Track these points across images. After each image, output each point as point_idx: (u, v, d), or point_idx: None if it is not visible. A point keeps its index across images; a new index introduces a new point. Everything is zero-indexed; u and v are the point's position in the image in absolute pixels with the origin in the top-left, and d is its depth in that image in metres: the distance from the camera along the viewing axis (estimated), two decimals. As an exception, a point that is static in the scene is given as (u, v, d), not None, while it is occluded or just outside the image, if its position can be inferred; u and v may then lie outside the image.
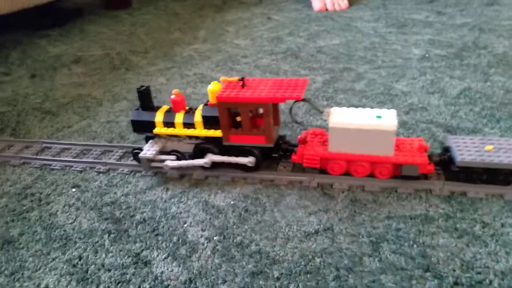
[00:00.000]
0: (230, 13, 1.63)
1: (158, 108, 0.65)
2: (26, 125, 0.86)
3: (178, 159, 0.63)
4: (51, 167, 0.69)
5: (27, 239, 0.54)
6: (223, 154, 0.62)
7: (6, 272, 0.49)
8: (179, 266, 0.48)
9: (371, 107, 0.81)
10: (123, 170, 0.66)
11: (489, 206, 0.54)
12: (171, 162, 0.61)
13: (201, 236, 0.52)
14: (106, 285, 0.46)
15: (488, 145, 0.57)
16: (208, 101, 0.61)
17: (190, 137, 0.63)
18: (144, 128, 0.64)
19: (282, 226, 0.53)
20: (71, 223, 0.56)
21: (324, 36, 1.25)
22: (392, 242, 0.49)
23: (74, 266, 0.49)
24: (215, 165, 0.63)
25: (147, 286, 0.45)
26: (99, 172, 0.67)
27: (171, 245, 0.51)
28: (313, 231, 0.52)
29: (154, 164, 0.63)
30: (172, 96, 0.62)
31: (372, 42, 1.18)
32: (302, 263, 0.47)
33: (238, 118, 0.59)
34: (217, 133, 0.61)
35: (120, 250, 0.51)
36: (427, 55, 1.04)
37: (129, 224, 0.55)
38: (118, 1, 1.86)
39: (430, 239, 0.49)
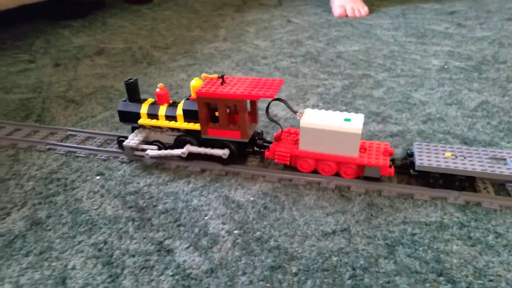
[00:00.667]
0: (250, 14, 1.65)
1: (144, 100, 0.68)
2: (51, 112, 0.88)
3: (159, 149, 0.66)
4: (76, 154, 0.71)
5: (54, 222, 0.56)
6: (201, 147, 0.65)
7: (35, 251, 0.51)
8: (201, 256, 0.50)
9: (390, 115, 0.82)
10: (146, 162, 0.68)
11: (502, 217, 0.55)
12: (151, 151, 0.65)
13: (222, 229, 0.54)
14: (131, 270, 0.48)
15: (448, 152, 0.60)
16: (190, 96, 0.65)
17: (172, 129, 0.67)
18: (129, 118, 0.68)
19: (300, 224, 0.54)
20: (96, 209, 0.58)
21: (343, 42, 1.27)
22: (407, 246, 0.51)
23: (99, 250, 0.51)
24: (194, 156, 0.67)
25: (170, 273, 0.47)
26: (122, 162, 0.69)
27: (192, 235, 0.53)
28: (330, 231, 0.53)
29: (136, 153, 0.67)
30: (157, 90, 0.66)
31: (391, 50, 1.19)
32: (319, 260, 0.49)
33: (217, 113, 0.63)
34: (196, 126, 0.64)
35: (144, 238, 0.53)
36: (446, 67, 1.05)
37: (152, 213, 0.57)
38: (139, -5, 1.89)
39: (444, 245, 0.51)
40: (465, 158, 0.59)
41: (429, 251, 0.50)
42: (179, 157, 0.67)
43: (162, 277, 0.47)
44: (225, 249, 0.51)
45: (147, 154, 0.65)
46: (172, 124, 0.65)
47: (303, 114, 0.62)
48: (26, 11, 1.51)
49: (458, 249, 0.50)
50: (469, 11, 1.56)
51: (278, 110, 0.86)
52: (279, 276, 0.47)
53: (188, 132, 0.66)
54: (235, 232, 0.53)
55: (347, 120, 0.60)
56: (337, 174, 0.63)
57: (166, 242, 0.52)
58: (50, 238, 0.53)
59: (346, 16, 1.57)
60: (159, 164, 0.68)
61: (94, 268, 0.48)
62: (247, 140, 0.63)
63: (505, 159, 0.59)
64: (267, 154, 0.65)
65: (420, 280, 0.46)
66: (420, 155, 0.60)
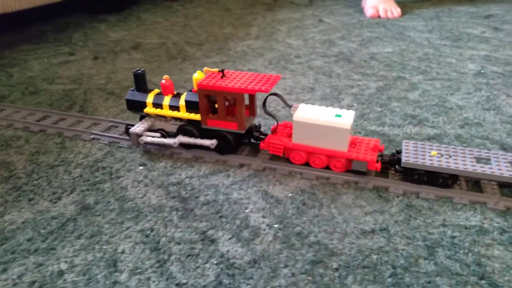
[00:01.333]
0: (281, 13, 1.66)
1: (150, 90, 0.72)
2: (93, 103, 0.92)
3: (163, 136, 0.70)
4: (119, 144, 0.74)
5: (102, 208, 0.59)
6: (201, 136, 0.69)
7: (86, 234, 0.54)
8: (243, 247, 0.51)
9: (426, 118, 0.82)
10: (186, 155, 0.71)
11: (546, 225, 0.54)
12: (145, 137, 0.69)
13: (262, 222, 0.56)
14: (177, 257, 0.50)
15: (435, 151, 0.62)
16: (192, 88, 0.68)
17: (175, 118, 0.70)
18: (136, 107, 0.71)
19: (339, 222, 0.55)
20: (141, 198, 0.61)
21: (376, 43, 1.26)
22: (447, 248, 0.51)
23: (146, 236, 0.53)
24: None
25: (215, 262, 0.49)
26: (163, 154, 0.71)
27: (234, 227, 0.55)
28: (369, 229, 0.54)
29: (141, 140, 0.70)
30: (162, 81, 0.70)
31: (425, 53, 1.17)
32: (360, 257, 0.50)
33: (216, 105, 0.66)
34: (197, 116, 0.67)
35: (188, 227, 0.55)
36: (482, 71, 1.03)
37: (195, 204, 0.59)
38: (172, -8, 1.93)
39: (485, 249, 0.51)
40: (450, 157, 0.61)
41: (470, 254, 0.50)
42: (210, 148, 0.69)
43: (207, 265, 0.49)
44: (266, 242, 0.52)
45: (141, 140, 0.70)
46: (175, 113, 0.69)
47: (297, 109, 0.65)
48: (64, 5, 1.57)
49: (499, 254, 0.50)
50: (506, 14, 1.52)
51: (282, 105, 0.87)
52: (320, 270, 0.48)
53: (189, 121, 0.69)
54: (275, 226, 0.55)
55: (338, 116, 0.63)
56: (327, 167, 0.66)
57: (210, 232, 0.54)
58: (99, 223, 0.56)
59: (379, 17, 1.56)
60: (199, 157, 0.70)
61: (143, 253, 0.51)
62: (243, 132, 0.66)
63: (489, 159, 0.61)
64: (262, 146, 0.68)
65: (461, 282, 0.46)
66: (407, 153, 0.62)
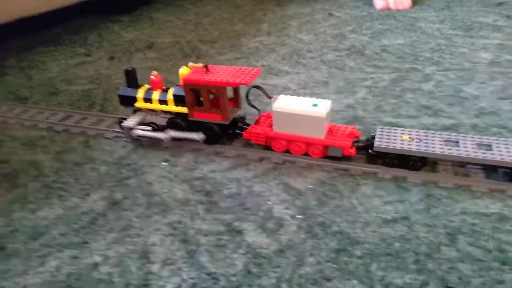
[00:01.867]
0: (290, 8, 1.67)
1: (140, 86, 0.75)
2: (112, 102, 0.94)
3: (154, 130, 0.74)
4: (141, 142, 0.77)
5: (130, 203, 0.61)
6: (189, 128, 0.73)
7: (117, 228, 0.56)
8: (269, 237, 0.53)
9: (441, 109, 0.83)
10: (208, 150, 0.73)
11: None
12: (139, 130, 0.73)
13: (285, 213, 0.57)
14: (206, 248, 0.52)
15: (406, 135, 0.65)
16: (179, 83, 0.72)
17: (165, 112, 0.74)
18: (128, 101, 0.76)
19: (360, 212, 0.57)
20: (166, 192, 0.63)
21: (388, 35, 1.26)
22: (468, 235, 0.52)
23: (175, 229, 0.55)
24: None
25: (242, 251, 0.51)
26: (185, 150, 0.73)
27: (259, 218, 0.56)
28: (390, 218, 0.55)
29: (133, 132, 0.75)
30: (152, 77, 0.74)
31: (438, 43, 1.17)
32: (382, 245, 0.51)
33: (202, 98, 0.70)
34: (184, 109, 0.71)
35: (214, 219, 0.57)
36: (496, 60, 1.03)
37: (219, 197, 0.61)
38: (181, -9, 1.94)
39: (506, 236, 0.52)
40: (420, 140, 0.64)
41: (491, 240, 0.51)
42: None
43: (235, 255, 0.51)
44: (290, 232, 0.54)
45: (134, 133, 0.73)
46: (163, 107, 0.73)
47: (277, 100, 0.68)
48: (76, 7, 1.59)
49: (520, 240, 0.51)
50: (518, 2, 1.51)
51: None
52: (345, 258, 0.50)
53: (177, 114, 0.73)
54: (298, 216, 0.57)
55: (315, 105, 0.66)
56: (306, 154, 0.69)
57: (235, 223, 0.56)
58: (128, 217, 0.58)
59: (389, 9, 1.56)
60: (220, 152, 0.72)
61: (172, 245, 0.53)
62: (227, 123, 0.70)
63: (458, 142, 0.64)
64: (244, 135, 0.72)
65: (484, 268, 0.47)
66: (380, 138, 0.65)
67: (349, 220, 0.56)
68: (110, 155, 0.73)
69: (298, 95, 0.92)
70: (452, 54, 1.09)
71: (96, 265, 0.50)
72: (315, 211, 0.57)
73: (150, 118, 0.76)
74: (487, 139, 0.64)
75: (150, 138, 0.75)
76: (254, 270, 0.49)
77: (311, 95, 0.92)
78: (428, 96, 0.88)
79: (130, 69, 0.75)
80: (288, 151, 0.70)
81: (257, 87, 0.72)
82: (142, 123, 0.75)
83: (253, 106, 0.73)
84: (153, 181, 0.65)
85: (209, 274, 0.48)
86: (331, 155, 0.66)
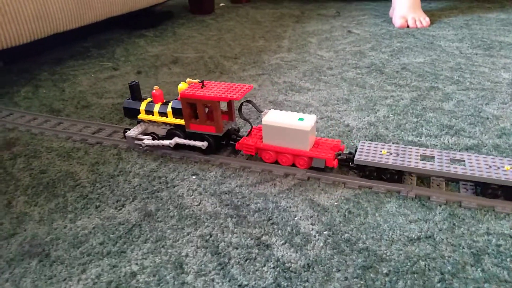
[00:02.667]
0: (310, 24, 1.71)
1: (144, 99, 0.82)
2: (141, 116, 0.98)
3: (154, 139, 0.80)
4: (171, 155, 0.80)
5: (163, 215, 0.64)
6: (186, 139, 0.78)
7: (151, 239, 0.59)
8: (297, 252, 0.55)
9: (463, 128, 0.84)
10: (234, 165, 0.75)
11: None
12: (147, 140, 0.79)
13: (312, 229, 0.59)
14: (237, 260, 0.54)
15: (385, 150, 0.69)
16: (178, 97, 0.78)
17: (165, 123, 0.81)
18: (132, 114, 0.83)
19: (385, 229, 0.59)
20: (197, 205, 0.66)
21: (407, 53, 1.29)
22: (493, 256, 0.53)
23: (206, 241, 0.58)
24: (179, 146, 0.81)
25: (272, 265, 0.53)
26: (213, 165, 0.76)
27: (286, 233, 0.59)
28: (415, 237, 0.57)
29: (136, 142, 0.81)
30: (153, 91, 0.80)
31: (457, 62, 1.19)
32: (408, 264, 0.53)
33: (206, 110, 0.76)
34: (182, 121, 0.77)
35: (243, 233, 0.59)
36: (517, 80, 1.04)
37: (247, 211, 0.64)
38: (203, 6, 2.01)
39: (530, 258, 0.53)
40: (398, 155, 0.68)
41: (515, 262, 0.52)
42: (201, 149, 0.78)
43: (265, 268, 0.53)
44: (317, 248, 0.56)
45: (144, 143, 0.79)
46: (163, 119, 0.79)
47: (267, 114, 0.74)
48: (103, 21, 1.66)
49: (545, 262, 0.52)
50: (539, 22, 1.52)
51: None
52: (371, 275, 0.51)
53: (176, 126, 0.79)
54: (324, 233, 0.59)
55: (301, 119, 0.71)
56: (293, 165, 0.74)
57: (264, 238, 0.58)
58: (162, 229, 0.61)
59: (407, 27, 1.58)
60: (246, 167, 0.75)
61: (205, 257, 0.55)
62: (221, 134, 0.75)
63: (433, 157, 0.67)
64: (237, 146, 0.76)
65: (509, 288, 0.49)
66: (361, 152, 0.70)
67: (374, 237, 0.57)
68: (142, 168, 0.77)
69: (321, 112, 0.95)
70: (472, 74, 1.11)
71: (134, 274, 0.53)
72: (341, 228, 0.59)
73: (151, 128, 0.83)
74: (460, 155, 0.67)
75: (157, 146, 0.81)
76: (283, 283, 0.51)
77: (333, 112, 0.95)
78: (449, 116, 0.90)
79: (134, 83, 0.82)
80: (277, 162, 0.75)
81: (249, 101, 0.77)
82: (144, 133, 0.83)
83: (245, 119, 0.78)
84: (184, 194, 0.68)
85: (240, 286, 0.51)
86: (314, 166, 0.71)
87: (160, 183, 0.72)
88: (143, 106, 0.81)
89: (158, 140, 0.79)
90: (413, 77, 1.11)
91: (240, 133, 0.82)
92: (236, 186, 0.70)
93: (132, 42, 1.59)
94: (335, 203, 0.65)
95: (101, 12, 1.30)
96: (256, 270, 0.53)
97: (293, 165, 0.74)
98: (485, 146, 0.77)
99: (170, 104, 0.78)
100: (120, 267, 0.54)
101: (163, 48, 1.49)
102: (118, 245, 0.58)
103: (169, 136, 0.80)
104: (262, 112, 0.75)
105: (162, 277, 0.52)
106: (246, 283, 0.51)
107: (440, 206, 0.63)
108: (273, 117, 0.72)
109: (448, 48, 1.31)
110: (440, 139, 0.81)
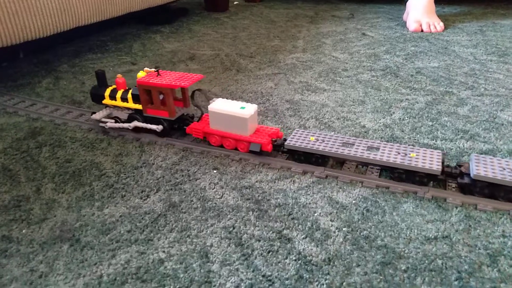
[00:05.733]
0: (324, 26, 1.72)
1: (108, 86, 0.89)
2: (160, 111, 1.00)
3: (116, 122, 0.88)
4: (192, 150, 0.82)
5: (187, 206, 0.66)
6: (144, 122, 0.86)
7: (177, 229, 0.61)
8: (317, 246, 0.57)
9: (477, 133, 0.86)
10: (253, 161, 0.78)
11: None
12: (110, 123, 0.87)
13: (331, 225, 0.61)
14: (259, 252, 0.56)
15: (314, 137, 0.76)
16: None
17: (127, 108, 0.88)
18: (98, 99, 0.90)
19: (403, 228, 0.61)
20: (219, 198, 0.68)
21: (421, 58, 1.30)
22: (509, 257, 0.55)
23: (229, 233, 0.60)
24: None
25: (294, 258, 0.55)
26: (233, 160, 0.79)
27: (306, 228, 0.61)
28: (432, 236, 0.59)
29: (100, 124, 0.89)
30: (117, 79, 0.87)
31: (472, 68, 1.20)
32: (426, 261, 0.55)
33: (161, 97, 0.82)
34: (140, 106, 0.84)
35: (265, 226, 0.61)
36: (532, 88, 1.05)
37: (267, 206, 0.66)
38: (218, 4, 2.03)
39: (544, 260, 0.54)
40: (323, 142, 0.75)
41: (530, 263, 0.54)
42: (156, 132, 0.86)
43: (287, 261, 0.55)
44: (337, 243, 0.58)
45: (106, 125, 0.87)
46: (124, 104, 0.86)
47: (214, 102, 0.81)
48: (123, 17, 1.69)
49: (559, 265, 0.54)
50: (553, 30, 1.52)
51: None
52: (390, 271, 0.53)
53: (135, 110, 0.87)
54: (343, 229, 0.61)
55: (243, 108, 0.77)
56: (236, 149, 0.81)
57: (285, 231, 0.60)
58: (186, 219, 0.63)
59: (422, 31, 1.59)
60: (265, 163, 0.77)
61: (229, 247, 0.57)
62: (173, 119, 0.83)
63: (353, 144, 0.74)
64: (187, 130, 0.84)
65: (524, 288, 0.50)
66: (292, 138, 0.77)
67: (392, 235, 0.59)
68: (164, 161, 0.79)
69: (337, 113, 0.97)
70: (487, 80, 1.12)
71: (161, 261, 0.55)
72: (359, 225, 0.61)
73: (115, 113, 0.91)
74: (378, 143, 0.74)
75: (118, 128, 0.89)
76: (306, 275, 0.53)
77: (349, 113, 0.96)
78: (464, 120, 0.91)
79: (100, 71, 0.89)
80: (222, 146, 0.82)
81: (199, 90, 0.85)
82: (108, 116, 0.90)
83: (197, 106, 0.86)
84: (206, 187, 0.71)
85: (264, 276, 0.53)
86: (251, 150, 0.77)
87: (182, 176, 0.74)
88: (107, 92, 0.88)
89: (120, 123, 0.87)
90: (428, 81, 1.13)
91: (194, 119, 0.89)
92: (256, 182, 0.72)
93: (148, 37, 1.61)
94: (353, 201, 0.67)
95: (122, 8, 1.32)
96: (279, 262, 0.55)
97: (236, 148, 0.81)
98: (500, 151, 0.79)
99: (130, 91, 0.85)
100: (148, 254, 0.56)
101: (180, 45, 1.51)
102: (145, 233, 0.60)
103: (129, 119, 0.87)
104: (211, 100, 0.82)
105: (188, 265, 0.55)
106: (269, 273, 0.53)
107: (456, 208, 0.65)
108: (218, 105, 0.79)
109: (462, 54, 1.33)
110: (455, 143, 0.82)
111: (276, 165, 0.76)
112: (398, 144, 0.73)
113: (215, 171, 0.75)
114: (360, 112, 0.97)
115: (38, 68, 1.30)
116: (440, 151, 0.71)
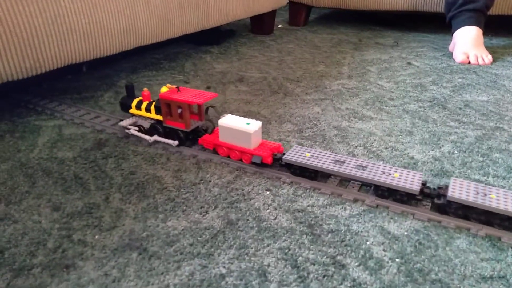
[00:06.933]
0: (368, 53, 1.75)
1: (136, 97, 1.01)
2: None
3: (140, 130, 1.00)
4: (245, 169, 0.86)
5: (243, 225, 0.70)
6: (164, 132, 0.97)
7: (235, 246, 0.65)
8: (371, 275, 0.59)
9: (532, 172, 0.85)
10: (305, 185, 0.81)
11: None
12: (133, 130, 0.99)
13: (384, 255, 0.63)
14: (315, 275, 0.59)
15: (309, 153, 0.84)
16: None
17: (149, 118, 1.00)
18: (125, 108, 1.03)
19: (456, 264, 0.61)
20: (273, 219, 0.71)
21: (469, 90, 1.30)
22: None
23: (285, 254, 0.63)
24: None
25: (348, 284, 0.57)
26: (284, 182, 0.82)
27: (360, 256, 0.63)
28: (488, 275, 0.59)
29: (126, 130, 1.01)
30: (143, 92, 1.00)
31: (523, 104, 1.19)
32: (481, 300, 0.55)
33: (179, 110, 0.93)
34: (160, 117, 0.96)
35: (319, 251, 0.64)
36: None
37: (320, 231, 0.68)
38: (264, 27, 2.10)
39: None
40: (316, 158, 0.82)
41: None
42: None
43: (342, 286, 0.57)
44: (391, 274, 0.60)
45: (129, 131, 0.99)
46: (148, 114, 0.99)
47: (224, 117, 0.90)
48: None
49: None
50: None
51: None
52: (445, 305, 0.54)
53: (157, 120, 0.98)
54: (397, 260, 0.62)
55: (248, 123, 0.87)
56: (241, 160, 0.89)
57: (338, 257, 0.62)
58: (243, 238, 0.67)
59: (469, 63, 1.59)
60: (316, 188, 0.80)
61: (285, 268, 0.60)
62: (188, 130, 0.94)
63: (344, 162, 0.81)
64: (199, 141, 0.94)
65: None
66: (290, 153, 0.84)
67: (446, 270, 0.60)
68: (219, 179, 0.83)
69: (385, 142, 0.99)
70: (539, 117, 1.11)
71: (223, 276, 0.59)
72: (413, 257, 0.63)
73: (140, 122, 1.02)
74: (367, 162, 0.80)
75: (139, 137, 1.00)
76: (361, 303, 0.55)
77: (397, 143, 0.98)
78: (517, 158, 0.91)
79: (129, 85, 1.02)
80: (229, 157, 0.90)
81: (212, 106, 1.00)
82: (133, 124, 1.02)
83: (209, 120, 0.99)
84: (260, 208, 0.74)
85: (320, 300, 0.55)
86: (253, 162, 0.85)
87: (237, 194, 0.78)
88: (134, 102, 1.00)
89: (142, 133, 0.99)
90: (477, 115, 1.13)
91: (207, 132, 1.00)
92: (308, 206, 0.75)
93: (199, 57, 1.70)
94: (405, 233, 0.68)
95: (180, 29, 1.41)
96: (334, 287, 0.57)
97: (240, 160, 0.89)
98: (555, 193, 0.78)
99: (153, 103, 0.98)
100: (209, 268, 0.60)
101: (228, 66, 1.59)
102: (206, 247, 0.64)
103: (151, 128, 0.99)
104: (221, 116, 0.92)
105: (248, 282, 0.58)
106: (325, 297, 0.55)
107: (511, 248, 0.65)
108: (227, 120, 0.89)
109: (512, 89, 1.31)
110: (508, 181, 0.82)
111: (327, 191, 0.79)
112: (384, 165, 0.80)
113: (268, 192, 0.79)
114: (408, 143, 0.98)
115: (99, 82, 1.41)
116: (421, 172, 0.78)
